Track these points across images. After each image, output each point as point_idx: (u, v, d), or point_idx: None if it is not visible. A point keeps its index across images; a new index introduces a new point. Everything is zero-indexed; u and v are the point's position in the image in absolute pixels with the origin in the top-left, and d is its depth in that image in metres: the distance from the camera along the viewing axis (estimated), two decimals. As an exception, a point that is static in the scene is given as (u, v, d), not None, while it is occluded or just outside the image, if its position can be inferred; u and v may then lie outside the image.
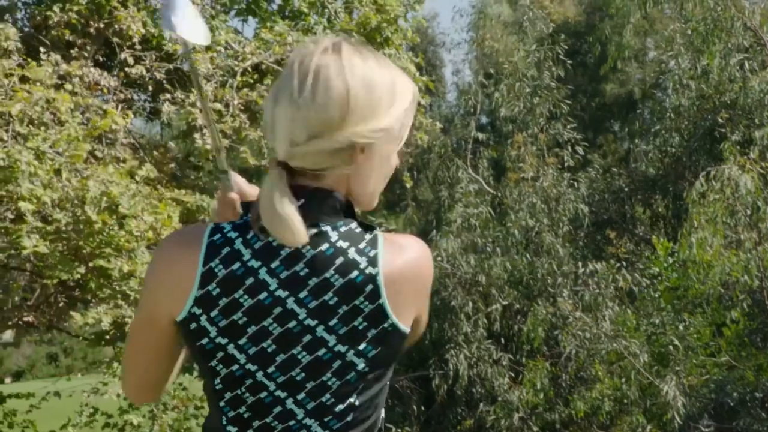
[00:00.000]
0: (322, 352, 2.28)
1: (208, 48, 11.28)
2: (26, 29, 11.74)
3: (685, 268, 12.81)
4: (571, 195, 15.17)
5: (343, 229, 2.31)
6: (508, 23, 16.89)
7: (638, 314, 13.43)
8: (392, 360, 2.36)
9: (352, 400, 2.30)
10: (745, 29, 15.59)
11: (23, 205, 8.45)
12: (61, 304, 12.29)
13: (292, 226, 2.28)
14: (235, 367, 2.34)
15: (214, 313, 2.32)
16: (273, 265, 2.31)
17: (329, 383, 2.29)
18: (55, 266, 9.31)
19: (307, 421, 2.31)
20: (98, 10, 10.96)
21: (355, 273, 2.27)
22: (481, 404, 14.08)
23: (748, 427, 12.02)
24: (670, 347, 12.46)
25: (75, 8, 10.79)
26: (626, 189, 16.99)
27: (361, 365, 2.28)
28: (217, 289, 2.33)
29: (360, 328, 2.27)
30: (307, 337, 2.29)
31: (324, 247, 2.29)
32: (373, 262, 2.28)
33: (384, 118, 2.31)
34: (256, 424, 2.34)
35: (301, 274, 2.29)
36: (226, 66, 11.09)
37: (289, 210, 2.28)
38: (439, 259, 14.97)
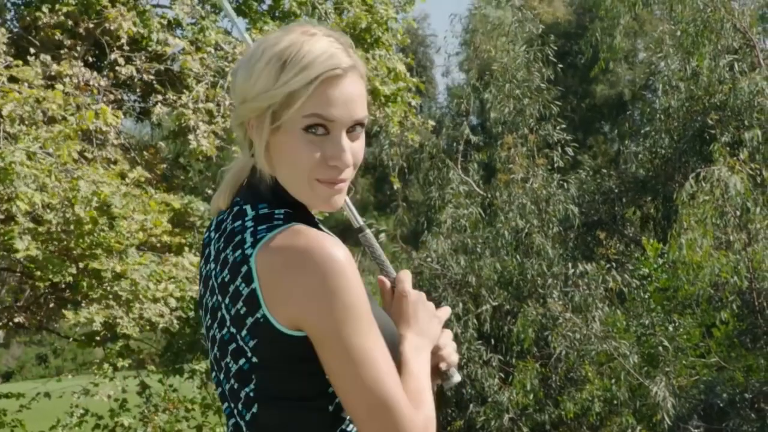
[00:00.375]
0: (224, 331, 2.24)
1: (198, 49, 11.29)
2: (16, 30, 11.73)
3: (674, 269, 12.83)
4: (561, 196, 15.17)
5: (263, 211, 2.27)
6: (499, 25, 16.90)
7: (628, 315, 13.46)
8: (281, 364, 2.19)
9: (247, 390, 2.22)
10: (734, 31, 15.63)
11: (20, 205, 8.44)
12: (51, 305, 12.29)
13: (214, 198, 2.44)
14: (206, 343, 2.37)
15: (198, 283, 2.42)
16: (215, 237, 2.34)
17: (230, 365, 2.24)
18: (46, 267, 9.31)
19: (232, 404, 2.27)
20: (87, 11, 10.96)
21: (239, 252, 2.21)
22: (471, 405, 14.08)
23: (737, 428, 12.04)
24: (660, 348, 12.48)
25: (64, 9, 10.78)
26: (616, 190, 17.00)
27: (249, 353, 2.20)
28: (200, 258, 2.43)
29: (242, 312, 2.19)
30: (219, 314, 2.26)
31: (237, 224, 2.27)
32: (255, 243, 2.18)
33: (251, 90, 2.26)
34: (225, 406, 2.32)
35: (220, 248, 2.29)
36: (216, 67, 11.11)
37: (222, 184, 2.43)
38: (429, 260, 14.99)
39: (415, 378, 2.28)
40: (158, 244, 10.57)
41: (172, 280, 10.26)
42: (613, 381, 12.68)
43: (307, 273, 2.11)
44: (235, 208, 2.32)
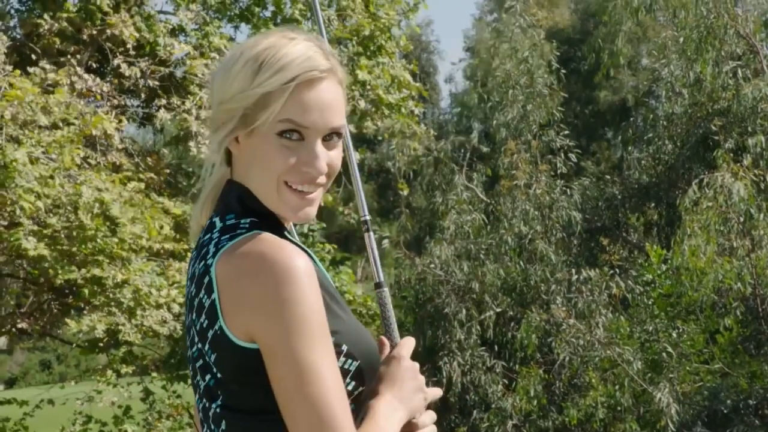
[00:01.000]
0: (194, 348, 2.18)
1: (202, 54, 11.30)
2: (19, 37, 11.75)
3: (678, 276, 12.81)
4: (564, 202, 15.16)
5: (230, 222, 2.21)
6: (502, 32, 16.91)
7: (632, 321, 13.42)
8: (240, 377, 2.12)
9: (215, 406, 2.16)
10: (738, 37, 15.61)
11: (24, 205, 8.45)
12: (54, 311, 12.30)
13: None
14: None
15: None
16: (194, 256, 2.27)
17: (200, 383, 2.19)
18: (55, 267, 9.33)
19: (206, 424, 2.21)
20: (90, 17, 10.97)
21: (202, 263, 2.16)
22: (475, 411, 14.06)
23: (741, 435, 12.02)
24: (664, 354, 12.46)
25: (65, 16, 10.79)
26: (619, 196, 16.96)
27: (213, 369, 2.13)
28: None
29: (205, 326, 2.13)
30: (191, 331, 2.20)
31: (206, 237, 2.22)
32: (215, 253, 2.13)
33: (227, 92, 2.22)
34: (204, 429, 2.24)
35: (192, 263, 2.25)
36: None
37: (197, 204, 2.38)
38: (433, 266, 14.98)
39: (378, 427, 2.18)
40: (161, 251, 10.56)
41: (176, 285, 10.27)
42: (616, 387, 12.65)
43: (260, 280, 2.05)
44: (208, 222, 2.28)
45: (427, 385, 2.39)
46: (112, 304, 9.76)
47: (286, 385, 2.05)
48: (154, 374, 13.34)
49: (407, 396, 2.30)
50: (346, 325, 2.25)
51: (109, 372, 12.05)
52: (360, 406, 2.21)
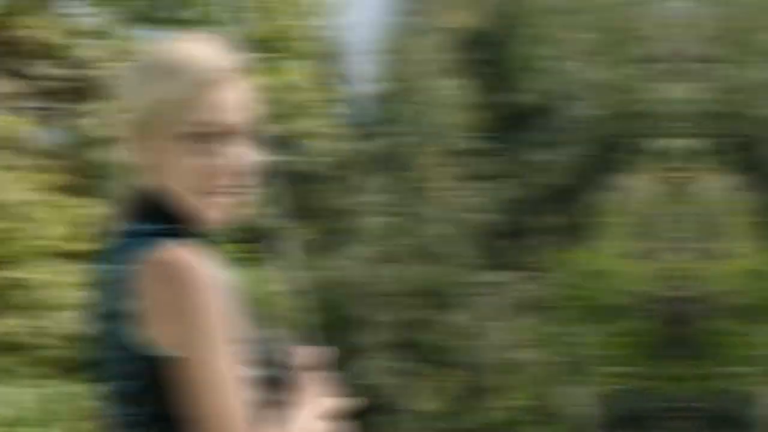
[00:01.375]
0: (106, 355, 2.17)
1: (114, 58, 11.23)
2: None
3: (591, 278, 12.93)
4: (477, 204, 15.26)
5: (143, 227, 2.18)
6: (414, 34, 16.97)
7: (545, 323, 13.54)
8: (159, 386, 2.11)
9: (132, 414, 2.15)
10: (641, 40, 15.79)
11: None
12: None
13: None
14: None
15: None
16: (103, 260, 2.24)
17: (112, 391, 2.18)
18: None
19: None
20: (2, 21, 10.89)
21: (113, 272, 2.14)
22: (386, 414, 14.10)
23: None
24: (578, 357, 12.57)
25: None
26: (531, 198, 17.11)
27: (129, 377, 2.12)
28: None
29: (117, 332, 2.11)
30: (101, 339, 2.19)
31: (119, 242, 2.19)
32: (128, 259, 2.10)
33: (135, 100, 2.19)
34: None
35: (102, 268, 2.21)
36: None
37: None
38: (346, 268, 14.99)
39: None
40: (64, 252, 10.48)
41: (77, 286, 10.18)
42: (531, 389, 12.75)
43: (171, 288, 2.05)
44: (121, 227, 2.23)
45: (340, 390, 2.38)
46: (35, 305, 9.70)
47: (194, 391, 2.05)
48: (61, 377, 13.22)
49: (313, 407, 2.31)
50: (249, 332, 2.24)
51: (12, 374, 11.95)
52: (260, 415, 2.21)
